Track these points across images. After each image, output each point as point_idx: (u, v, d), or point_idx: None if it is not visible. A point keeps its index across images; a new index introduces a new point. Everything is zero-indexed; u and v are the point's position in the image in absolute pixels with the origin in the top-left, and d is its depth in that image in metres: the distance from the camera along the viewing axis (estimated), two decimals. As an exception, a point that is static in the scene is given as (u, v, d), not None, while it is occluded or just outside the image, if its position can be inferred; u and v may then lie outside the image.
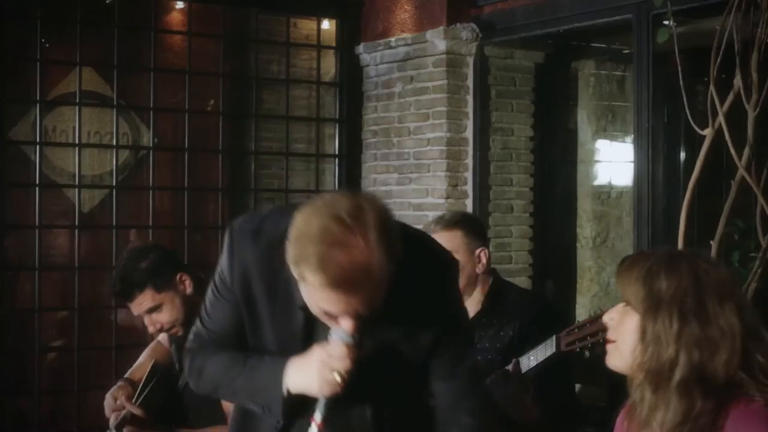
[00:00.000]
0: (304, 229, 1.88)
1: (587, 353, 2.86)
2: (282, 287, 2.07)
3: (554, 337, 2.87)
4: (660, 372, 1.81)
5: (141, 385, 3.25)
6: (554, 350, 2.86)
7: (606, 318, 1.96)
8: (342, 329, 1.94)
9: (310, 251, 1.85)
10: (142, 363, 3.43)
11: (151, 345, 3.55)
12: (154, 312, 3.13)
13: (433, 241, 2.27)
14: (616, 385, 2.05)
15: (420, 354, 2.11)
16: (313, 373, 1.98)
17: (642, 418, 1.87)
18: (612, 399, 3.59)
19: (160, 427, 3.13)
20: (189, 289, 3.16)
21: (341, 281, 1.85)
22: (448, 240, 3.05)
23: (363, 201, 1.92)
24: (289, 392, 2.05)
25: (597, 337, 2.73)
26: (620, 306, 1.93)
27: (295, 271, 1.92)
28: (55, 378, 4.97)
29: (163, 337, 3.48)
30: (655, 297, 1.83)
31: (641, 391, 1.86)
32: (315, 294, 1.91)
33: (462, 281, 2.82)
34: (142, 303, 3.12)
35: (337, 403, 1.99)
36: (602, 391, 3.63)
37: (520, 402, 2.86)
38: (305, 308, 2.01)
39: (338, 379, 1.95)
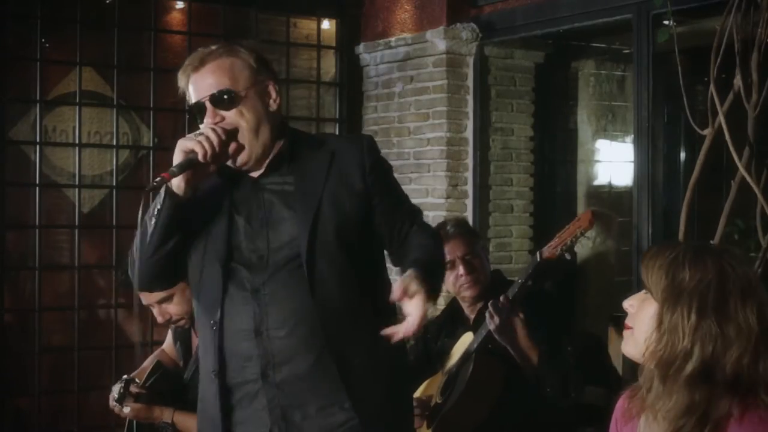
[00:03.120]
0: None
1: (568, 255, 3.09)
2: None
3: (537, 253, 3.13)
4: (672, 362, 1.82)
5: (146, 375, 3.33)
6: (538, 261, 3.10)
7: (626, 304, 1.96)
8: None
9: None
10: (146, 366, 3.49)
11: (156, 353, 3.64)
12: (164, 303, 3.22)
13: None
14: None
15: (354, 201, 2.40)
16: (183, 141, 2.32)
17: (647, 404, 1.89)
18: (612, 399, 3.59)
19: (162, 406, 3.22)
20: None
21: (197, 59, 2.38)
22: None
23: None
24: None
25: (575, 237, 3.04)
26: (641, 293, 1.93)
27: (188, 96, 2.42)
28: (55, 378, 4.97)
29: (168, 345, 3.56)
30: (677, 287, 1.84)
31: (650, 379, 1.88)
32: (190, 93, 2.39)
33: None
34: (152, 293, 3.18)
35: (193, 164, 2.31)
36: (602, 391, 3.63)
37: (513, 328, 3.06)
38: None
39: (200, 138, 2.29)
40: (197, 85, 2.38)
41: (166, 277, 2.50)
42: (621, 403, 2.05)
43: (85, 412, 4.77)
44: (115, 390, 3.24)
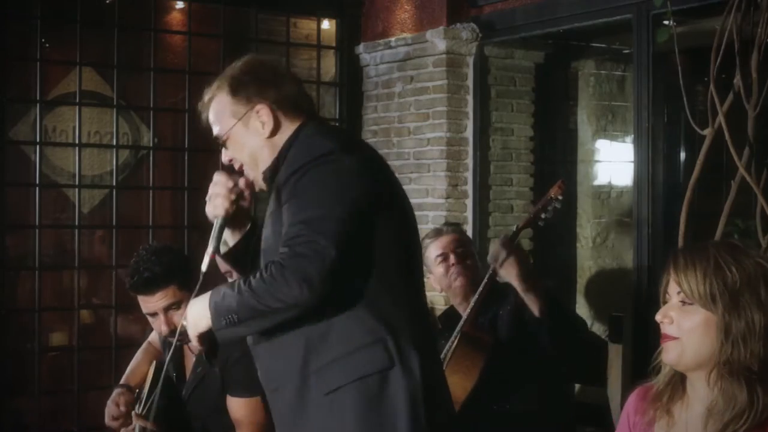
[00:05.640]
0: None
1: (541, 223, 3.38)
2: None
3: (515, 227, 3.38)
4: (745, 365, 1.84)
5: (146, 392, 3.12)
6: (515, 230, 3.33)
7: (660, 317, 1.94)
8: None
9: None
10: (138, 366, 3.33)
11: (143, 347, 3.41)
12: (171, 309, 2.94)
13: (327, 138, 2.36)
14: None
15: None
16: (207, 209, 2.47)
17: (673, 408, 1.95)
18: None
19: None
20: None
21: (202, 102, 2.53)
22: None
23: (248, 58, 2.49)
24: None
25: (547, 203, 3.34)
26: (675, 303, 1.92)
27: None
28: (55, 378, 4.97)
29: (153, 337, 3.36)
30: (732, 292, 1.85)
31: (674, 383, 1.95)
32: None
33: None
34: (161, 299, 2.94)
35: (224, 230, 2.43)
36: (602, 390, 3.63)
37: (515, 264, 3.15)
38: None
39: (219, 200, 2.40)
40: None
41: None
42: (634, 399, 2.05)
43: (85, 412, 4.76)
44: (112, 407, 3.07)
